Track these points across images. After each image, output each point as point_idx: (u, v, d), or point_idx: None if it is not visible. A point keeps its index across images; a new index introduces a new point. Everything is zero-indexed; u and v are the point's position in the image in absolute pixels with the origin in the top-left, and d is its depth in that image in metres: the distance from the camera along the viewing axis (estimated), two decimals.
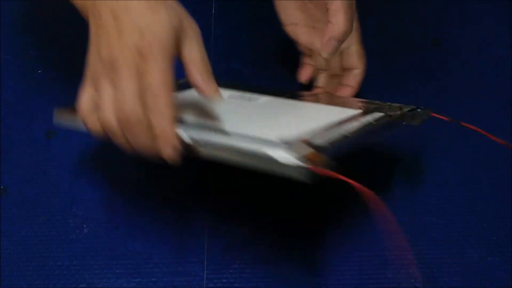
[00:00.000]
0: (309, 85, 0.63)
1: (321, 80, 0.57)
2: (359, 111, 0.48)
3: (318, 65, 0.57)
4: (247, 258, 0.49)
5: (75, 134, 0.58)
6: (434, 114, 0.47)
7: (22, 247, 0.49)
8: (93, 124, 0.42)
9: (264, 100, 0.52)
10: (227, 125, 0.44)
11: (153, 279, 0.48)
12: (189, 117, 0.45)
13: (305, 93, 0.56)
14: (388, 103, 0.49)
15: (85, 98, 0.42)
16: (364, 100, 0.51)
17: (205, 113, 0.46)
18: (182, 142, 0.40)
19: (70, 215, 0.52)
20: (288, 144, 0.38)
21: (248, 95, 0.53)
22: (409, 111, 0.47)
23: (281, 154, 0.36)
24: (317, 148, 0.38)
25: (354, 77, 0.55)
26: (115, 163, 0.56)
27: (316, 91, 0.57)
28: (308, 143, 0.38)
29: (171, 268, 0.48)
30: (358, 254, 0.49)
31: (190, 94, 0.46)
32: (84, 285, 0.47)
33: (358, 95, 0.60)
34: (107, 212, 0.52)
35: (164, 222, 0.51)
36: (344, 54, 0.55)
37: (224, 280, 0.47)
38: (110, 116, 0.40)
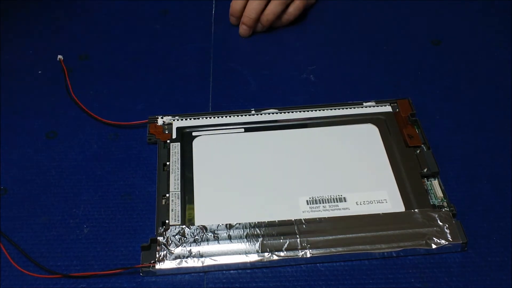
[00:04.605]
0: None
1: None
2: None
3: None
4: None
5: (75, 134, 0.58)
6: None
7: (22, 247, 0.49)
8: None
9: None
10: None
11: (153, 279, 0.48)
12: None
13: None
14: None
15: None
16: None
17: None
18: None
19: (70, 215, 0.52)
20: None
21: None
22: None
23: None
24: None
25: None
26: (114, 163, 0.56)
27: None
28: None
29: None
30: None
31: None
32: (84, 285, 0.47)
33: (357, 94, 0.60)
34: (107, 212, 0.52)
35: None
36: None
37: (224, 280, 0.47)
38: None
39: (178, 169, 0.54)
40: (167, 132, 0.57)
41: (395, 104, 0.59)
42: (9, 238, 0.50)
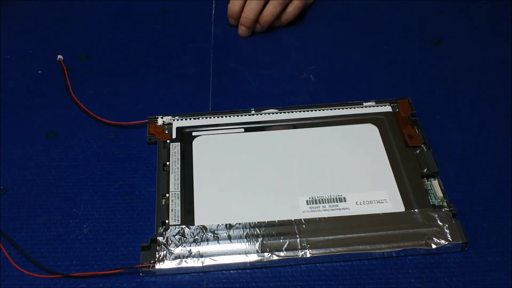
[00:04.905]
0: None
1: None
2: None
3: None
4: None
5: (75, 134, 0.58)
6: None
7: (22, 247, 0.49)
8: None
9: None
10: None
11: (153, 279, 0.48)
12: None
13: None
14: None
15: None
16: None
17: None
18: None
19: (70, 215, 0.52)
20: None
21: None
22: None
23: None
24: None
25: None
26: (114, 163, 0.56)
27: None
28: None
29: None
30: None
31: None
32: (84, 285, 0.47)
33: (357, 94, 0.60)
34: (107, 212, 0.52)
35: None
36: None
37: (224, 280, 0.47)
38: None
39: (178, 169, 0.54)
40: (167, 132, 0.57)
41: (395, 104, 0.59)
42: (9, 238, 0.50)
